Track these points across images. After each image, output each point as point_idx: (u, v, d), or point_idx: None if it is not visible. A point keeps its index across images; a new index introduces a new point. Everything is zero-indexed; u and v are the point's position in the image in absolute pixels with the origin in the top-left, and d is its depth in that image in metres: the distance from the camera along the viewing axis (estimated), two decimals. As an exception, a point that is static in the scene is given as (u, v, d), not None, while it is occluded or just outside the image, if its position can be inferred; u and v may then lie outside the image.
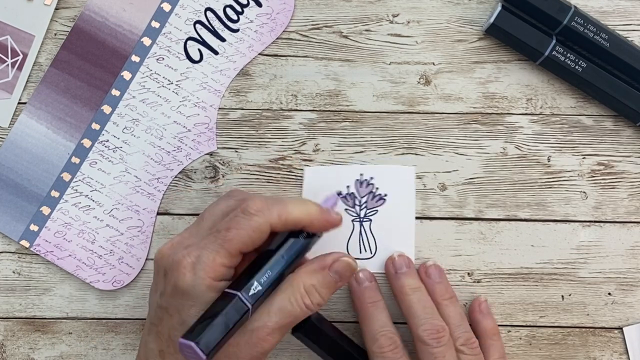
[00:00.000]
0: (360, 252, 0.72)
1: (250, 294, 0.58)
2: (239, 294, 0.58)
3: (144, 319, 0.72)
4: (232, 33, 0.71)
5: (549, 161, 0.72)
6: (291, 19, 0.72)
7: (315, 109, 0.72)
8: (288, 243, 0.62)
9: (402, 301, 0.68)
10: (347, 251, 0.72)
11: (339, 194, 0.71)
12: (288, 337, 0.72)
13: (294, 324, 0.62)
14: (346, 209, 0.72)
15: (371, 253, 0.72)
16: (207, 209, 0.64)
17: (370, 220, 0.72)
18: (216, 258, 0.59)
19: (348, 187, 0.71)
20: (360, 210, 0.72)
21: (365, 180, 0.72)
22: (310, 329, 0.69)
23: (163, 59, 0.71)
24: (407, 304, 0.68)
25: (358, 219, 0.72)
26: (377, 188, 0.72)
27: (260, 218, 0.60)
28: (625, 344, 0.72)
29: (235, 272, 0.61)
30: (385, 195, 0.72)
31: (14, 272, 0.72)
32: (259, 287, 0.59)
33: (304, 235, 0.63)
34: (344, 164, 0.72)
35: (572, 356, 0.72)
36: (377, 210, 0.72)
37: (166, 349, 0.61)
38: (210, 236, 0.60)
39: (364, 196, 0.72)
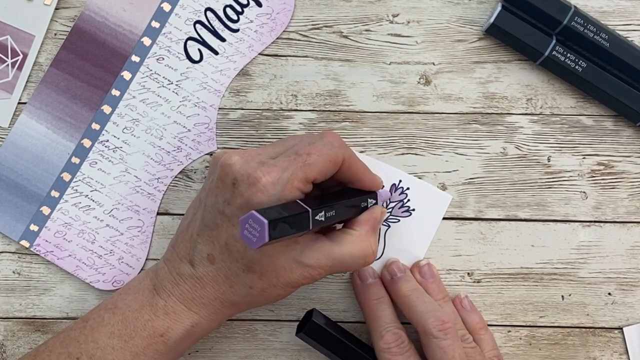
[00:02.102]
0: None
1: (315, 217, 0.58)
2: (310, 210, 0.58)
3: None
4: (232, 33, 0.71)
5: (549, 161, 0.72)
6: (291, 19, 0.72)
7: (315, 109, 0.72)
8: (360, 196, 0.65)
9: (403, 303, 0.68)
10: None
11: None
12: (288, 338, 0.72)
13: (341, 272, 0.65)
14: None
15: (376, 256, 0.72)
16: (286, 138, 0.64)
17: (389, 226, 0.72)
18: (294, 181, 0.59)
19: (383, 187, 0.71)
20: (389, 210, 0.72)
21: (401, 187, 0.72)
22: (313, 329, 0.69)
23: (163, 59, 0.71)
24: (408, 305, 0.68)
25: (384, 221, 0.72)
26: (408, 200, 0.72)
27: (339, 151, 0.61)
28: (625, 344, 0.72)
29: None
30: (413, 209, 0.72)
31: (14, 272, 0.72)
32: (323, 218, 0.59)
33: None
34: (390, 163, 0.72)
35: (572, 356, 0.72)
36: (399, 220, 0.72)
37: (218, 255, 0.61)
38: (290, 158, 0.60)
39: (393, 202, 0.72)
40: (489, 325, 0.72)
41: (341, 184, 0.66)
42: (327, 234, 0.63)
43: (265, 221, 0.53)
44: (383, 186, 0.70)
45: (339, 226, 0.66)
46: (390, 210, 0.71)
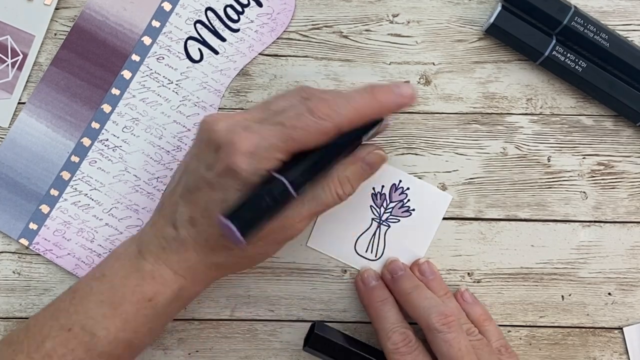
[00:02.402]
0: (366, 252, 0.72)
1: (294, 179, 0.58)
2: (282, 178, 0.58)
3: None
4: (232, 33, 0.71)
5: (549, 161, 0.72)
6: (291, 19, 0.72)
7: (315, 109, 0.72)
8: (338, 137, 0.62)
9: (405, 301, 0.68)
10: (355, 246, 0.72)
11: (373, 189, 0.72)
12: (288, 338, 0.72)
13: (324, 211, 0.64)
14: (372, 206, 0.72)
15: (376, 256, 0.72)
16: (274, 98, 0.63)
17: (389, 226, 0.72)
18: (275, 153, 0.59)
19: (383, 187, 0.71)
20: (384, 213, 0.72)
21: (401, 187, 0.72)
22: (317, 341, 0.69)
23: (163, 58, 0.71)
24: (410, 302, 0.68)
25: (378, 220, 0.72)
26: (408, 200, 0.72)
27: (328, 123, 0.60)
28: (625, 344, 0.72)
29: None
30: (413, 210, 0.72)
31: (14, 272, 0.72)
32: (303, 175, 0.59)
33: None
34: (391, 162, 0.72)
35: (572, 356, 0.72)
36: (399, 220, 0.72)
37: (199, 218, 0.61)
38: (274, 128, 0.60)
39: (393, 202, 0.72)
40: (488, 325, 0.72)
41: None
42: None
43: (232, 226, 0.55)
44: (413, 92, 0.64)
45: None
46: (390, 210, 0.71)
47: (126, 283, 0.62)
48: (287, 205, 0.59)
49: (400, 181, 0.71)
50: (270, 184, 0.58)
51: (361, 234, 0.72)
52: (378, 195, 0.71)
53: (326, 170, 0.62)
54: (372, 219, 0.72)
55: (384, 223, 0.72)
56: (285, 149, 0.59)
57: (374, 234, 0.72)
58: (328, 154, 0.62)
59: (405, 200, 0.72)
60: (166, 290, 0.62)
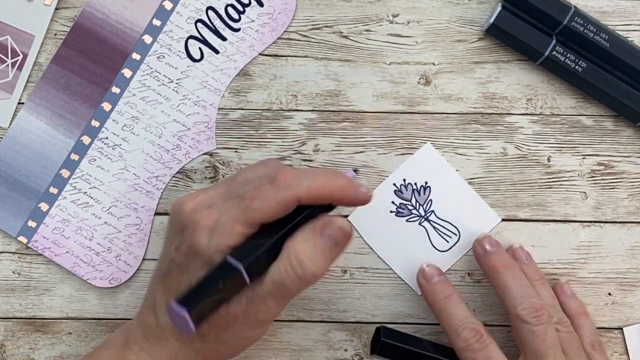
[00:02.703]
0: (448, 242, 0.72)
1: (247, 259, 0.56)
2: (232, 260, 0.56)
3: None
4: (233, 32, 0.71)
5: (549, 161, 0.72)
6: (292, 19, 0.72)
7: (315, 109, 0.72)
8: (296, 213, 0.59)
9: (496, 279, 0.67)
10: (434, 249, 0.72)
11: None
12: (288, 338, 0.72)
13: (293, 295, 0.59)
14: (407, 220, 0.71)
15: (456, 235, 0.72)
16: (241, 172, 0.62)
17: (433, 211, 0.72)
18: (235, 226, 0.57)
19: (393, 202, 0.72)
20: (419, 209, 0.71)
21: (402, 184, 0.71)
22: (385, 347, 0.69)
23: (164, 57, 0.71)
24: (501, 283, 0.67)
25: (424, 218, 0.72)
26: (415, 183, 0.71)
27: (287, 192, 0.57)
28: (625, 344, 0.72)
29: None
30: (426, 182, 0.71)
31: (14, 272, 0.72)
32: (255, 254, 0.57)
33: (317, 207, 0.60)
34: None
35: (573, 356, 0.72)
36: (431, 201, 0.72)
37: None
38: (234, 201, 0.58)
39: (410, 199, 0.71)
40: (489, 325, 0.71)
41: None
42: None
43: (184, 311, 0.53)
44: (370, 195, 0.62)
45: None
46: (417, 203, 0.70)
47: None
48: (240, 284, 0.56)
49: (404, 179, 0.71)
50: (224, 265, 0.57)
51: (429, 239, 0.72)
52: (401, 208, 0.71)
53: (278, 246, 0.58)
54: (420, 224, 0.72)
55: (428, 213, 0.71)
56: (245, 220, 0.57)
57: (434, 228, 0.71)
58: (276, 231, 0.59)
59: (415, 186, 0.71)
60: None
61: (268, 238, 0.58)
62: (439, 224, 0.71)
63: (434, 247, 0.71)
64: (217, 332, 0.59)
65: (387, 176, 0.71)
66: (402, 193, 0.71)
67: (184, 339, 0.60)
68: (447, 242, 0.71)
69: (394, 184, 0.71)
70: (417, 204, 0.71)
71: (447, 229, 0.71)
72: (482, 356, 0.64)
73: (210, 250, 0.57)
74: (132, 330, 0.62)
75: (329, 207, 0.60)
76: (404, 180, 0.71)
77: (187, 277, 0.58)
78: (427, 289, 0.69)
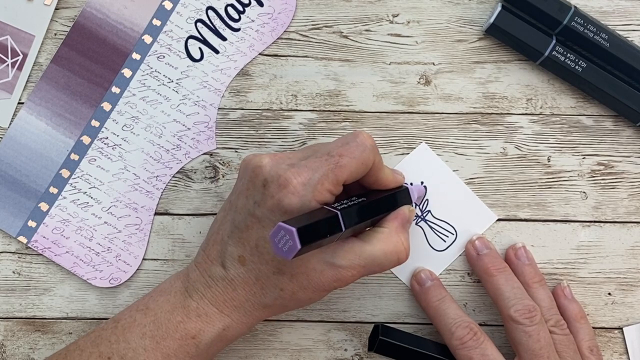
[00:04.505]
0: (445, 241, 0.72)
1: (346, 219, 0.58)
2: (339, 213, 0.57)
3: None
4: (233, 32, 0.71)
5: (549, 161, 0.72)
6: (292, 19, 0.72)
7: (315, 109, 0.72)
8: (395, 194, 0.65)
9: (488, 282, 0.68)
10: (431, 248, 0.72)
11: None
12: (288, 338, 0.72)
13: (368, 274, 0.63)
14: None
15: (453, 234, 0.72)
16: (317, 144, 0.65)
17: (429, 211, 0.72)
18: (325, 183, 0.59)
19: (408, 184, 0.71)
20: (415, 209, 0.71)
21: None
22: (383, 346, 0.69)
23: (164, 57, 0.71)
24: (494, 285, 0.67)
25: (421, 218, 0.72)
26: (411, 183, 0.71)
27: (371, 153, 0.61)
28: (625, 344, 0.72)
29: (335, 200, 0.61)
30: (422, 182, 0.71)
31: (14, 272, 0.72)
32: (355, 220, 0.59)
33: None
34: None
35: (573, 356, 0.72)
36: (427, 200, 0.72)
37: (249, 256, 0.61)
38: (321, 159, 0.60)
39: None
40: (488, 325, 0.72)
41: (363, 187, 0.66)
42: (357, 235, 0.63)
43: (293, 228, 0.53)
44: (410, 183, 0.70)
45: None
46: (415, 202, 0.71)
47: (170, 318, 0.62)
48: (336, 235, 0.58)
49: (411, 183, 0.71)
50: (325, 211, 0.58)
51: (426, 239, 0.72)
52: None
53: (373, 218, 0.63)
54: (417, 224, 0.72)
55: (424, 213, 0.71)
56: (334, 178, 0.59)
57: (431, 228, 0.72)
58: (372, 203, 0.63)
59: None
60: (210, 329, 0.62)
61: (357, 201, 0.61)
62: (435, 224, 0.71)
63: (431, 246, 0.71)
64: (300, 282, 0.61)
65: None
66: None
67: (253, 291, 0.62)
68: (444, 241, 0.71)
69: (411, 183, 0.71)
70: (414, 204, 0.71)
71: (444, 229, 0.71)
72: (477, 354, 0.65)
73: (301, 208, 0.58)
74: (193, 279, 0.63)
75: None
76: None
77: (269, 231, 0.59)
78: (420, 293, 0.70)
